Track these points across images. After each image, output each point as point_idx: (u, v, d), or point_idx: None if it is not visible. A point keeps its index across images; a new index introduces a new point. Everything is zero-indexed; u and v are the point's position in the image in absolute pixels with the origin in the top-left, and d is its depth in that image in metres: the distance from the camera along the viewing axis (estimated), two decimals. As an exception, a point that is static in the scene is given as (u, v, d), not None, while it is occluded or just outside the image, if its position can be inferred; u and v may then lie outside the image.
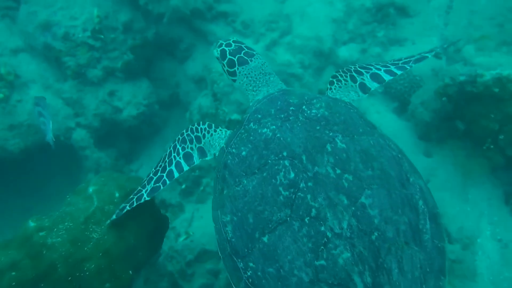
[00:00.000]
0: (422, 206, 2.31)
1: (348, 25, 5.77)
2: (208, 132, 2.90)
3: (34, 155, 5.26)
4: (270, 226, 2.21)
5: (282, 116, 2.52)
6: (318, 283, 2.06)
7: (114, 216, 2.75)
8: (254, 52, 3.09)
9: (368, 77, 3.06)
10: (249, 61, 3.02)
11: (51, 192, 6.02)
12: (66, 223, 2.75)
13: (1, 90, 5.00)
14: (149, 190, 2.79)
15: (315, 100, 2.60)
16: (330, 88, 3.03)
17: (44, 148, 5.29)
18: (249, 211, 2.29)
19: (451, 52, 4.79)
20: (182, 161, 2.85)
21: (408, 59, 3.22)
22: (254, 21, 5.91)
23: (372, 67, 3.13)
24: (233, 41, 3.11)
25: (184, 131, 2.94)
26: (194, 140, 2.89)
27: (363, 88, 3.02)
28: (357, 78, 3.06)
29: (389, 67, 3.14)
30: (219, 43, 3.11)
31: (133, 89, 5.55)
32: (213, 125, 2.94)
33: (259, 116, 2.59)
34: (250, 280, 2.22)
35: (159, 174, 2.86)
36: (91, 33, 5.07)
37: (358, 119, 2.55)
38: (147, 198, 2.74)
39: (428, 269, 2.17)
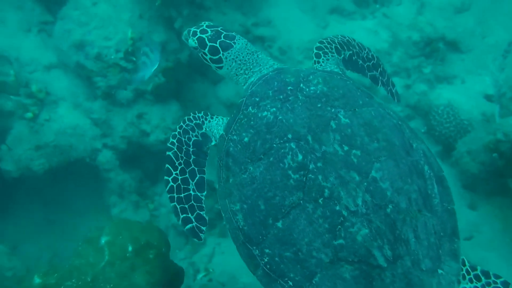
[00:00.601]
0: (428, 171, 2.32)
1: (393, 57, 5.42)
2: (206, 119, 2.80)
3: (59, 175, 5.18)
4: (283, 211, 2.18)
5: (281, 97, 2.44)
6: (338, 262, 2.07)
7: (202, 235, 2.56)
8: (233, 33, 2.91)
9: (347, 55, 3.01)
10: (232, 44, 2.84)
11: (75, 207, 5.98)
12: (73, 280, 2.59)
13: (30, 108, 4.95)
14: (195, 188, 2.65)
15: (311, 77, 2.51)
16: (318, 62, 2.91)
17: (68, 169, 5.24)
18: (259, 197, 2.25)
19: (506, 99, 4.36)
20: (196, 149, 2.73)
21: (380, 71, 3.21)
22: (292, 47, 5.65)
23: (352, 50, 3.05)
24: (207, 26, 2.90)
25: (182, 122, 2.78)
26: (196, 128, 2.78)
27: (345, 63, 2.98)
28: (341, 51, 2.98)
29: (366, 61, 3.12)
30: (192, 31, 2.87)
31: (162, 112, 5.39)
32: (208, 112, 2.85)
33: (257, 99, 2.50)
34: (268, 266, 2.21)
35: (187, 170, 2.67)
36: (124, 55, 4.95)
37: (356, 90, 2.50)
38: (203, 194, 2.65)
39: (442, 233, 2.21)
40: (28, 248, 6.11)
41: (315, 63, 2.92)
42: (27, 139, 4.80)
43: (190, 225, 2.53)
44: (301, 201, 2.15)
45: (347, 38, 3.09)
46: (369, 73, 3.14)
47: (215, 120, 2.79)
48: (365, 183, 2.13)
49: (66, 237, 6.15)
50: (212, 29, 2.88)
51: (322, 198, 2.13)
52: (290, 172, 2.20)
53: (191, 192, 2.63)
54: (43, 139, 4.82)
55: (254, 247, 2.26)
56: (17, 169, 4.79)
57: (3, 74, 5.10)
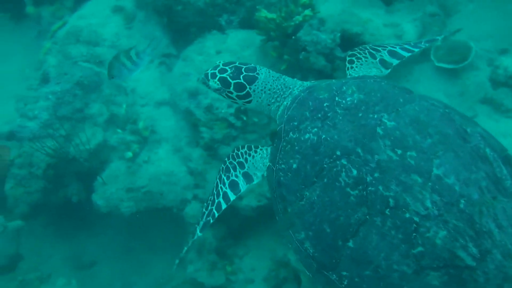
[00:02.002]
0: (491, 154, 2.18)
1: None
2: (249, 155, 2.79)
3: (144, 216, 5.01)
4: (351, 230, 2.11)
5: (319, 115, 2.38)
6: (423, 271, 1.96)
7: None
8: (252, 65, 2.86)
9: (386, 53, 2.93)
10: (256, 75, 2.79)
11: (154, 243, 5.85)
12: None
13: (132, 146, 4.82)
14: (201, 225, 2.87)
15: (344, 87, 2.44)
16: (352, 67, 2.87)
17: (154, 214, 5.04)
18: (323, 221, 2.19)
19: None
20: (228, 190, 2.81)
21: (419, 41, 3.15)
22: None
23: (386, 46, 3.01)
24: (223, 64, 2.85)
25: (226, 159, 2.85)
26: (238, 167, 2.79)
27: (384, 64, 2.90)
28: (376, 55, 2.93)
29: (403, 46, 3.05)
30: (210, 74, 2.82)
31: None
32: (252, 146, 2.83)
33: (295, 123, 2.45)
34: None
35: (209, 208, 2.91)
36: (235, 112, 4.57)
37: (393, 89, 2.41)
38: (199, 235, 2.89)
39: None
40: (103, 269, 6.13)
41: (348, 69, 2.86)
42: (122, 178, 4.68)
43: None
44: (367, 216, 2.06)
45: (377, 44, 3.08)
46: (409, 48, 3.06)
47: (259, 153, 2.75)
48: (430, 183, 2.01)
49: (140, 269, 6.06)
50: (230, 66, 2.80)
51: (388, 209, 2.03)
52: (348, 189, 2.12)
53: (197, 226, 3.01)
54: (136, 183, 4.65)
55: (330, 272, 2.17)
56: (106, 206, 4.69)
57: (116, 105, 5.08)
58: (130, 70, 3.38)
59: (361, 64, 2.86)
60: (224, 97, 2.88)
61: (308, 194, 2.24)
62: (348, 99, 2.35)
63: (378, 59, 2.92)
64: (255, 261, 4.64)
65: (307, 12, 3.95)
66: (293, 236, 2.32)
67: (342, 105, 2.34)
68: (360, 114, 2.27)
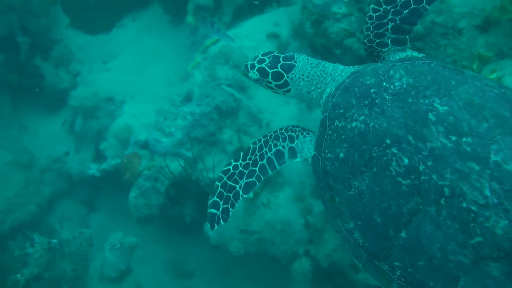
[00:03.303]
0: None
1: None
2: (302, 133, 2.76)
3: (250, 257, 4.77)
4: (403, 220, 2.03)
5: (366, 102, 2.28)
6: (483, 261, 1.86)
7: (215, 226, 2.52)
8: (291, 53, 2.82)
9: (391, 33, 2.67)
10: (293, 63, 2.76)
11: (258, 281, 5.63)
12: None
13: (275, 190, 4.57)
14: (243, 185, 2.62)
15: (392, 71, 2.32)
16: (384, 58, 2.71)
17: (261, 260, 4.77)
18: (373, 211, 2.12)
19: None
20: (273, 158, 2.69)
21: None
22: None
23: (386, 21, 2.67)
24: (262, 55, 2.83)
25: (278, 129, 2.79)
26: (287, 139, 2.74)
27: (398, 42, 2.66)
28: (385, 40, 2.68)
29: (402, 12, 2.65)
30: (249, 65, 2.82)
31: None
32: (306, 128, 2.83)
33: (341, 110, 2.38)
34: (403, 279, 2.06)
35: (250, 168, 2.67)
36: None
37: (443, 71, 2.24)
38: (244, 196, 2.61)
39: None
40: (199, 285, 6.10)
41: (380, 60, 2.71)
42: (238, 217, 4.48)
43: (214, 210, 2.51)
44: (421, 206, 2.00)
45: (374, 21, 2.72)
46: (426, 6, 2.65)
47: (310, 136, 2.72)
48: (488, 171, 1.89)
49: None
50: (269, 55, 2.80)
51: (443, 198, 1.95)
52: (399, 178, 2.05)
53: (237, 187, 2.60)
54: (251, 226, 4.41)
55: (382, 262, 2.13)
56: (216, 239, 4.56)
57: (248, 136, 4.89)
58: None
59: (384, 59, 2.69)
60: (265, 87, 2.85)
61: (356, 183, 2.18)
62: (396, 83, 2.25)
63: (390, 43, 2.68)
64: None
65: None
66: (342, 225, 2.28)
67: (390, 91, 2.24)
68: (410, 100, 2.16)
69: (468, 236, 1.87)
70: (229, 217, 2.53)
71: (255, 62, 2.79)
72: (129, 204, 5.10)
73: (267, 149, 2.70)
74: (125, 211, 5.43)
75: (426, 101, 2.12)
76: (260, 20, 5.87)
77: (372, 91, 2.29)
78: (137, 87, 6.86)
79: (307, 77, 2.74)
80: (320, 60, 2.83)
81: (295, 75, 2.74)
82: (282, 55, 2.78)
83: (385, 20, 2.67)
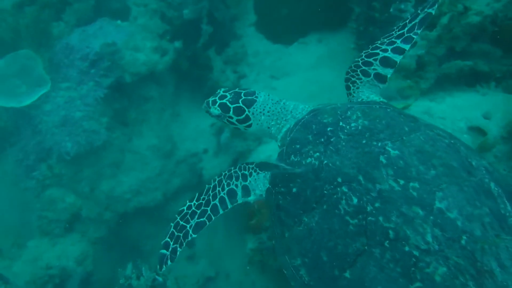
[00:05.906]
0: (496, 188, 2.08)
1: None
2: (255, 170, 2.69)
3: None
4: (348, 260, 2.05)
5: (322, 140, 2.36)
6: None
7: (163, 267, 2.51)
8: (252, 89, 2.87)
9: (378, 64, 2.80)
10: (255, 98, 2.80)
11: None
12: None
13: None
14: (193, 225, 2.62)
15: (349, 112, 2.41)
16: (350, 94, 2.85)
17: None
18: (320, 249, 2.15)
19: None
20: (226, 197, 2.66)
21: (412, 23, 2.83)
22: None
23: (378, 51, 2.83)
24: (224, 91, 2.87)
25: (232, 168, 2.77)
26: (240, 178, 2.71)
27: (379, 78, 2.81)
28: (369, 70, 2.82)
29: (395, 42, 2.83)
30: (210, 101, 2.83)
31: None
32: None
33: (298, 146, 2.44)
34: None
35: (202, 208, 2.67)
36: None
37: (398, 117, 2.35)
38: (193, 236, 2.62)
39: None
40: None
41: (348, 96, 2.84)
42: None
43: (165, 251, 2.55)
44: (366, 247, 2.00)
45: (372, 45, 2.87)
46: (400, 46, 2.80)
47: (263, 173, 2.67)
48: (431, 217, 1.93)
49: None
50: (230, 92, 2.85)
51: (388, 241, 1.95)
52: (347, 217, 2.07)
53: (187, 226, 2.62)
54: None
55: None
56: None
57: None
58: None
59: (358, 88, 2.80)
60: (226, 123, 2.87)
61: (306, 219, 2.21)
62: (352, 124, 2.32)
63: (372, 75, 2.79)
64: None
65: None
66: (289, 262, 2.29)
67: (346, 130, 2.31)
68: (364, 141, 2.22)
69: (409, 280, 1.88)
70: (176, 256, 2.53)
71: (217, 98, 2.82)
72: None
73: (220, 189, 2.70)
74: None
75: (379, 144, 2.16)
76: (468, 100, 4.62)
77: (328, 129, 2.35)
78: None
79: (268, 111, 2.78)
80: (281, 98, 2.87)
81: (256, 110, 2.78)
82: (244, 91, 2.83)
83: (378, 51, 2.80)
